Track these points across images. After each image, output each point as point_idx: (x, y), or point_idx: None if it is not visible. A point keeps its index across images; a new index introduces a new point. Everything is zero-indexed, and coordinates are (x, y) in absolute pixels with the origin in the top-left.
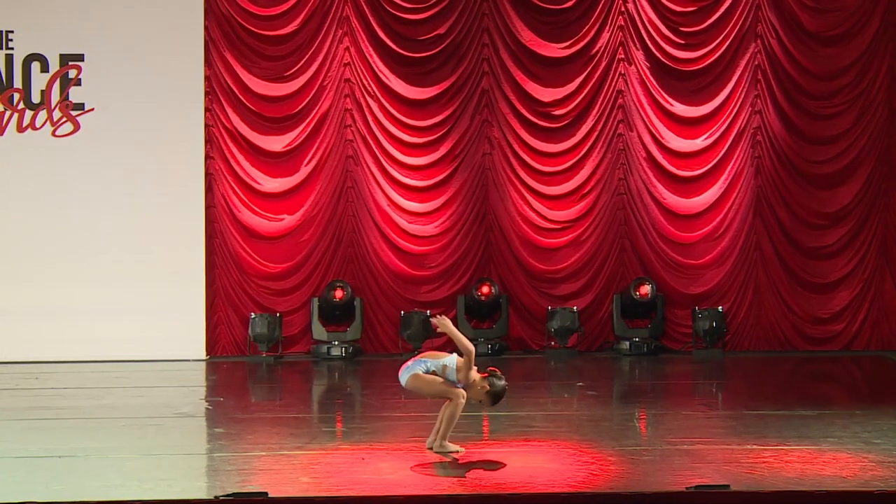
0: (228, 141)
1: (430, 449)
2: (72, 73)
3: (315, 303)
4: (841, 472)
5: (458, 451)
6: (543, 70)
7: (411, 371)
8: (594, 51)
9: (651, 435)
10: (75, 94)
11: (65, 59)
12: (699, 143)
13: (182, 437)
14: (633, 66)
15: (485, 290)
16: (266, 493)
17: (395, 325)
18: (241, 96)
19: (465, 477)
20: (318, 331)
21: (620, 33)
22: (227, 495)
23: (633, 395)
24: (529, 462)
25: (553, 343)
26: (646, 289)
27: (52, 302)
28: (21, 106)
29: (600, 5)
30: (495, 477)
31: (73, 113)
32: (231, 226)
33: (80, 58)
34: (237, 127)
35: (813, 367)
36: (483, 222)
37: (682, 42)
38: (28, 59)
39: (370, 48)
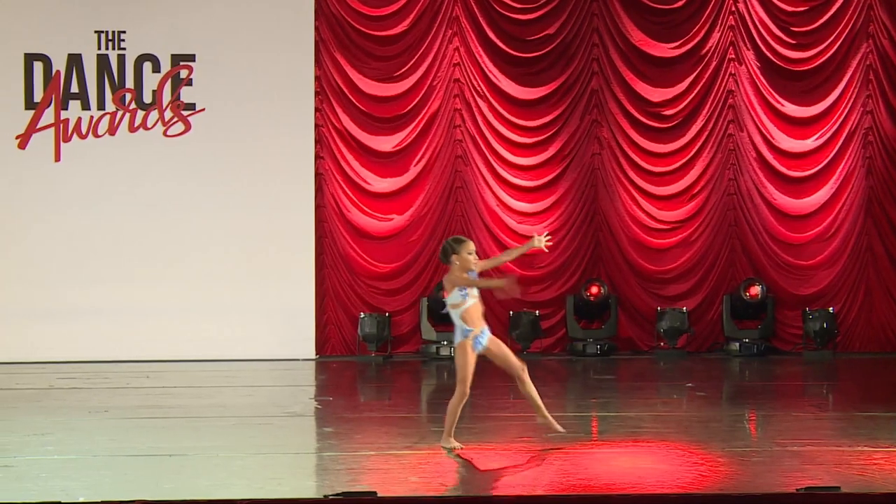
0: (338, 141)
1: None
2: (183, 74)
3: (424, 303)
4: None
5: (458, 447)
6: (653, 70)
7: (456, 340)
8: (704, 51)
9: (761, 436)
10: (186, 94)
11: (176, 60)
12: (810, 143)
13: (291, 436)
14: (743, 66)
15: (594, 290)
16: (375, 493)
17: (504, 324)
18: (350, 96)
19: (573, 477)
20: (427, 331)
21: (731, 33)
22: (337, 494)
23: (743, 396)
24: (638, 463)
25: (662, 344)
26: (756, 289)
27: (163, 301)
28: (133, 106)
29: (711, 5)
30: (604, 477)
31: (185, 113)
32: (341, 225)
33: (192, 58)
34: (347, 127)
35: None
36: (592, 222)
37: (793, 42)
38: (140, 60)
39: (479, 48)
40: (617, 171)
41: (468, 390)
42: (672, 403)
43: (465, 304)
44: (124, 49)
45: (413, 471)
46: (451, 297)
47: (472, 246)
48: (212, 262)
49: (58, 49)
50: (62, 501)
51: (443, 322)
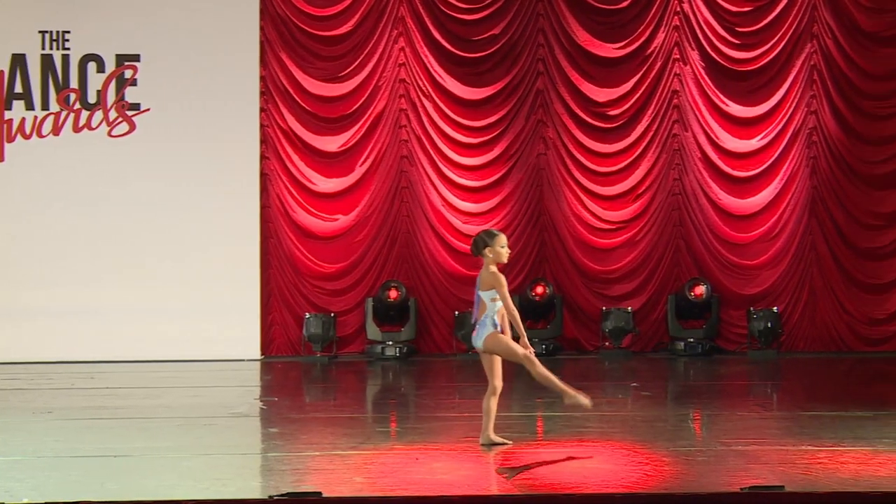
0: (283, 141)
1: (483, 446)
2: (128, 74)
3: (369, 303)
4: None
5: (505, 444)
6: (598, 70)
7: (485, 331)
8: (649, 51)
9: (705, 436)
10: (131, 95)
11: (121, 60)
12: (754, 143)
13: (237, 436)
14: (688, 66)
15: (539, 290)
16: (320, 493)
17: (450, 325)
18: (296, 96)
19: (518, 477)
20: (373, 331)
21: (676, 33)
22: (282, 495)
23: (688, 395)
24: (583, 463)
25: (607, 344)
26: (700, 289)
27: (107, 302)
28: (77, 106)
29: (655, 5)
30: (549, 477)
31: (129, 113)
32: (286, 226)
33: (136, 58)
34: (292, 127)
35: (868, 368)
36: (538, 222)
37: (738, 42)
38: (84, 60)
39: (425, 48)
40: (562, 171)
41: (534, 358)
42: (617, 403)
43: (498, 304)
44: (69, 49)
45: (358, 471)
46: (492, 294)
47: (504, 239)
48: (156, 262)
49: (1, 49)
50: (6, 502)
51: (388, 322)
